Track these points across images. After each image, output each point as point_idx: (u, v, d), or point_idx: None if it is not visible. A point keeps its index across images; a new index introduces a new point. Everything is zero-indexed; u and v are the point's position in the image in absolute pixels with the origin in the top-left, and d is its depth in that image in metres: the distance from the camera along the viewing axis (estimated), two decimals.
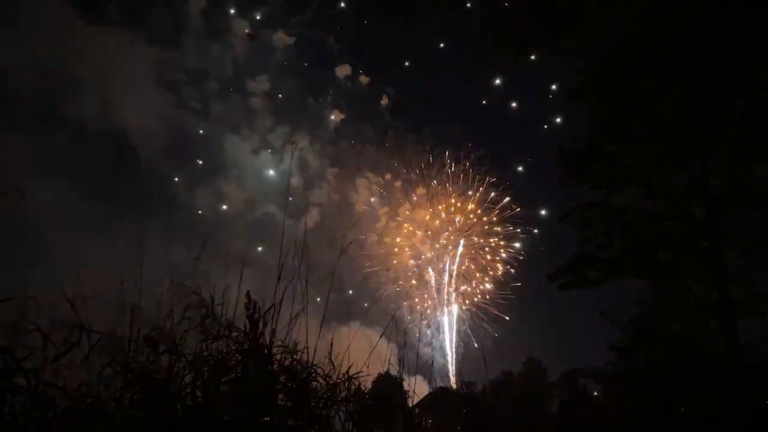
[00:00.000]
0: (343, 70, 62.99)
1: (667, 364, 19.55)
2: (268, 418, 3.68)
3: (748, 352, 18.76)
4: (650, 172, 20.11)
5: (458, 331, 60.20)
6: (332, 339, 4.23)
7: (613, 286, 20.60)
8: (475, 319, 59.82)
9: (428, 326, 59.08)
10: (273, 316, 3.94)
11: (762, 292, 19.19)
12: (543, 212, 58.64)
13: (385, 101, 63.50)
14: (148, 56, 54.90)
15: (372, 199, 62.88)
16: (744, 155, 18.79)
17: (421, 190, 62.30)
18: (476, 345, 59.07)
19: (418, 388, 5.66)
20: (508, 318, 58.07)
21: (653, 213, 20.20)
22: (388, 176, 63.14)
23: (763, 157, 18.53)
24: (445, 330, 60.10)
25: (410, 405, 6.15)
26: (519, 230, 60.29)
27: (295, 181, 59.23)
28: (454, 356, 59.66)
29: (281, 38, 60.69)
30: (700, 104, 18.62)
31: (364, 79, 63.35)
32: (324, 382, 4.06)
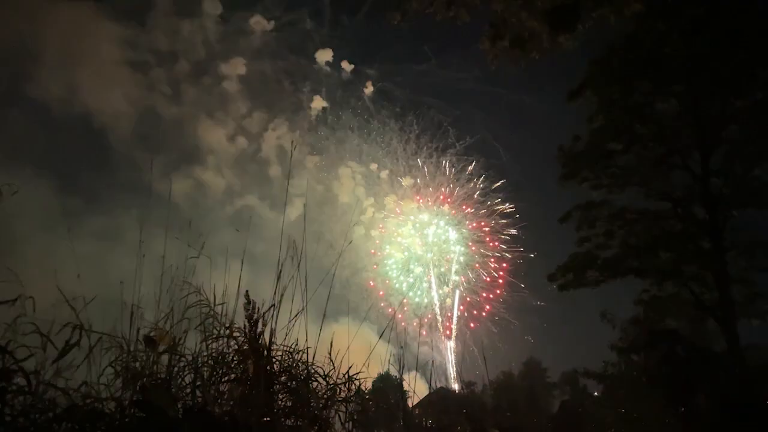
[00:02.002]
0: (323, 56, 60.49)
1: (667, 364, 19.54)
2: (268, 418, 3.68)
3: (748, 352, 18.77)
4: (650, 172, 20.10)
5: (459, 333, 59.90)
6: (332, 339, 4.23)
7: (613, 286, 20.62)
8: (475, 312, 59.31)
9: (421, 325, 58.34)
10: (272, 316, 3.94)
11: (762, 292, 19.19)
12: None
13: (369, 89, 61.48)
14: (115, 35, 50.91)
15: (357, 191, 61.05)
16: (744, 155, 18.79)
17: (407, 181, 60.63)
18: (474, 348, 58.74)
19: (417, 389, 5.66)
20: (515, 323, 57.65)
21: (653, 213, 20.20)
22: (373, 166, 61.25)
23: (763, 157, 18.53)
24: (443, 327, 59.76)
25: (410, 405, 6.15)
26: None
27: (274, 170, 57.30)
28: (453, 356, 59.43)
29: (259, 22, 58.40)
30: (700, 104, 18.61)
31: (347, 66, 61.04)
32: (324, 383, 4.06)
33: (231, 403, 3.65)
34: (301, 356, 4.01)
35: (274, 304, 3.95)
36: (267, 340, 3.89)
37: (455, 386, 55.15)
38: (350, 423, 4.16)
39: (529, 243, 60.89)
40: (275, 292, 4.01)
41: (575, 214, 20.99)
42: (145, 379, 3.45)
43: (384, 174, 62.22)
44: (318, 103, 61.13)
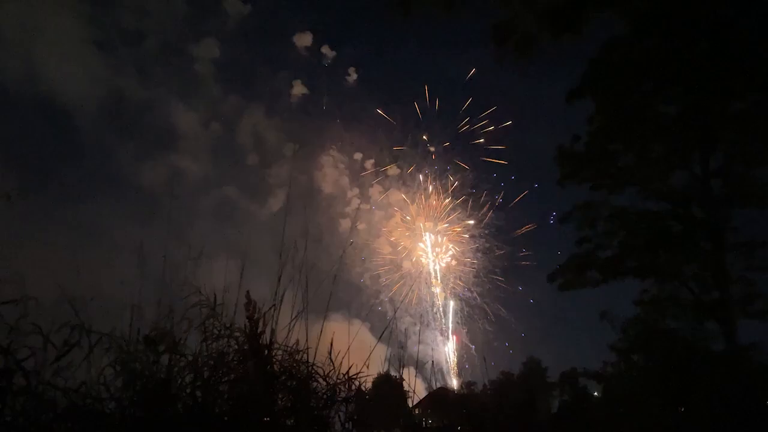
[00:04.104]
0: (303, 40, 57.36)
1: (667, 364, 19.54)
2: (268, 418, 3.68)
3: (748, 352, 18.77)
4: (650, 172, 20.10)
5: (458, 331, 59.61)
6: (332, 339, 4.22)
7: (613, 286, 20.64)
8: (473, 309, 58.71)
9: (416, 324, 57.36)
10: (273, 316, 3.94)
11: (762, 292, 19.20)
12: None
13: (352, 76, 58.85)
14: (79, 11, 46.80)
15: (341, 180, 58.80)
16: (744, 155, 18.80)
17: (393, 171, 58.72)
18: (473, 348, 58.33)
19: (416, 389, 5.65)
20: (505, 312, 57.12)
21: (653, 213, 20.19)
22: (358, 156, 58.82)
23: (762, 157, 18.54)
24: (444, 325, 59.28)
25: (410, 405, 6.15)
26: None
27: (252, 158, 54.98)
28: (453, 356, 59.17)
29: (234, 5, 55.59)
30: (700, 104, 18.61)
31: (328, 52, 57.86)
32: (324, 383, 4.05)
33: (231, 403, 3.65)
34: (302, 356, 4.00)
35: (274, 304, 3.95)
36: (267, 340, 3.88)
37: (454, 384, 54.99)
38: (350, 423, 4.16)
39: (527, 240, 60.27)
40: (276, 293, 4.00)
41: (575, 214, 21.00)
42: (145, 379, 3.44)
43: (369, 164, 59.99)
44: (298, 89, 58.41)
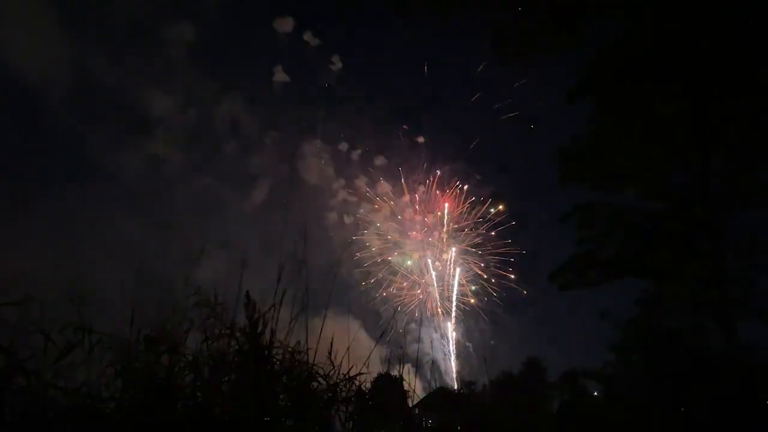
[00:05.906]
0: (284, 25, 55.02)
1: (667, 364, 19.55)
2: (268, 418, 3.69)
3: (748, 352, 18.78)
4: (650, 172, 20.11)
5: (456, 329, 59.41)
6: (332, 339, 4.23)
7: (613, 286, 20.65)
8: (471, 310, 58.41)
9: (411, 323, 56.58)
10: (273, 317, 3.94)
11: (762, 292, 19.18)
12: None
13: (336, 64, 57.10)
14: None
15: (325, 171, 57.63)
16: (744, 155, 18.81)
17: (379, 160, 57.70)
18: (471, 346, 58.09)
19: (416, 388, 5.65)
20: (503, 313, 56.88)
21: (653, 213, 20.20)
22: (343, 147, 57.48)
23: (763, 157, 18.54)
24: (447, 326, 59.12)
25: (410, 405, 6.15)
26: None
27: (231, 147, 53.30)
28: (453, 354, 59.05)
29: None
30: (700, 104, 18.61)
31: (311, 40, 55.43)
32: (324, 383, 4.06)
33: (231, 403, 3.65)
34: (303, 356, 4.01)
35: (274, 305, 3.95)
36: (267, 340, 3.88)
37: (454, 384, 54.89)
38: (350, 423, 4.16)
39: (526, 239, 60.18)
40: (276, 292, 4.01)
41: (575, 214, 20.99)
42: (145, 379, 3.45)
43: (355, 155, 58.87)
44: (280, 76, 56.69)
